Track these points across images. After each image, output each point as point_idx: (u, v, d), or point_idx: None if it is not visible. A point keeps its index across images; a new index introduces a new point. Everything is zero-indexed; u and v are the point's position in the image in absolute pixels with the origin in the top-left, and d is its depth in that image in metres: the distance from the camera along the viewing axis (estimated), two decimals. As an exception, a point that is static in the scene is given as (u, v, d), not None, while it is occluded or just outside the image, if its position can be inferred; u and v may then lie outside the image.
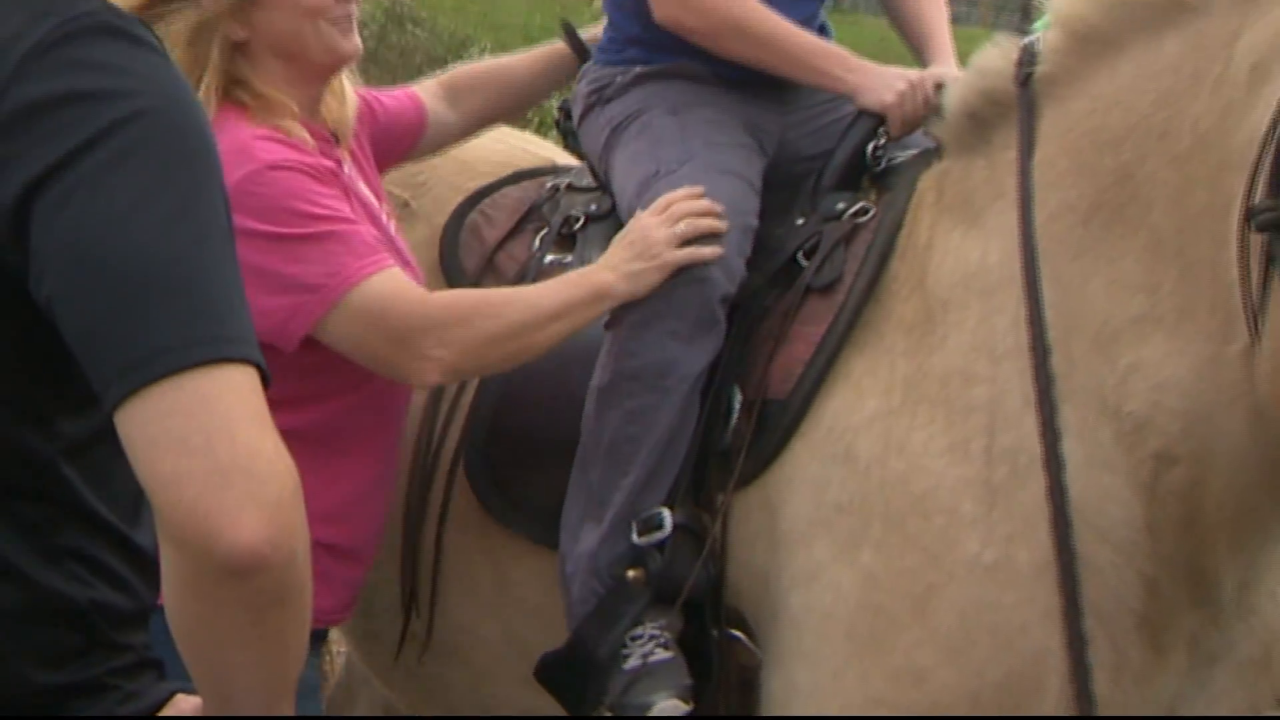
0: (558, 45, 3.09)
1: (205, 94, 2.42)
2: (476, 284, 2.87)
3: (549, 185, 3.06)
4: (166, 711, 1.76)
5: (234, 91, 2.50)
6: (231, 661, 1.53)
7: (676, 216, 2.47)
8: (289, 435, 2.11)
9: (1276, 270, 1.92)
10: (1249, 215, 1.96)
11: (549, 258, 2.85)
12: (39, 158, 1.44)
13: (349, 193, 2.59)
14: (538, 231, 2.94)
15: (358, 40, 2.61)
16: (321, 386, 2.54)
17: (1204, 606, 2.30)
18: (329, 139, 2.64)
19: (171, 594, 1.47)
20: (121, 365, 1.41)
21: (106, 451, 1.50)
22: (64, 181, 1.43)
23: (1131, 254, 2.25)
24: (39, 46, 1.47)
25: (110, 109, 1.45)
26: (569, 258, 2.81)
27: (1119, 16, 2.28)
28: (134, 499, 1.64)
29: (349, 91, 2.73)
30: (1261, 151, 1.97)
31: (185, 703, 1.73)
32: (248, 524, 1.37)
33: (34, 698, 1.70)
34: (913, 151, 2.67)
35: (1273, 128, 1.95)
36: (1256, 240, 1.96)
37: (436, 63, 15.40)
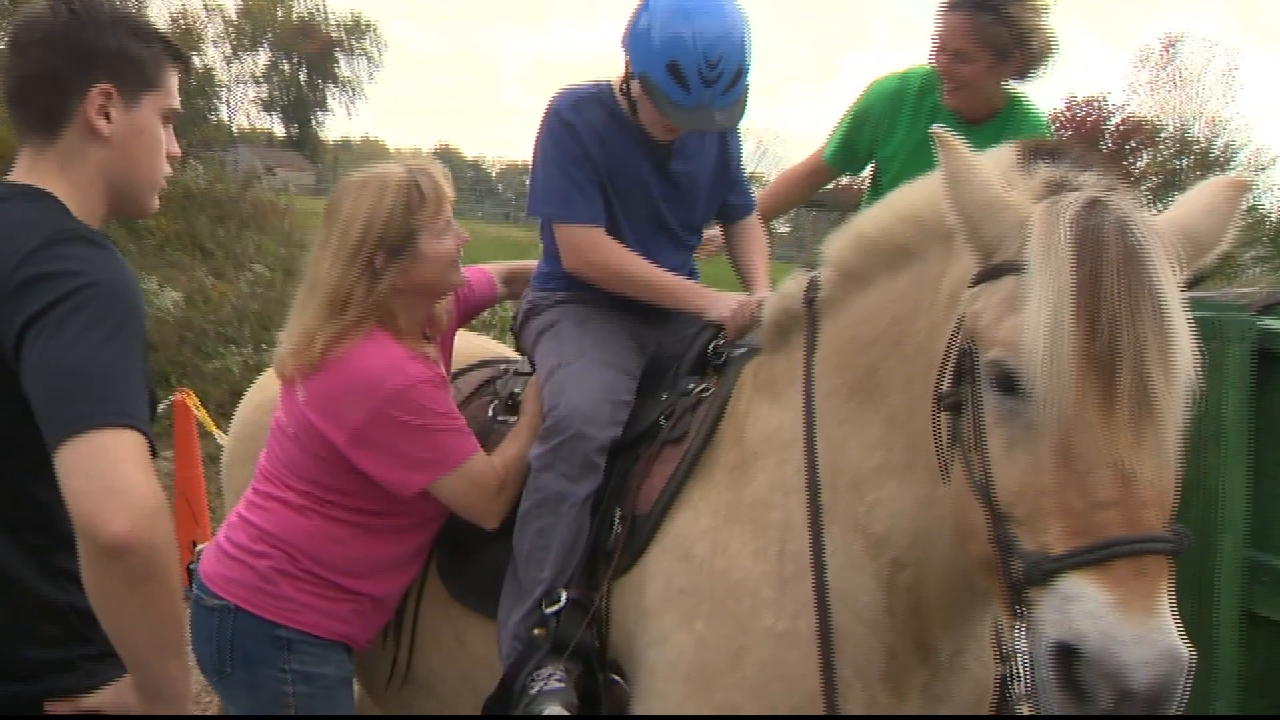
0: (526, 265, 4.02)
1: (358, 322, 3.21)
2: None
3: (500, 369, 3.92)
4: (110, 689, 2.49)
5: (386, 319, 3.25)
6: (122, 619, 2.22)
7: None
8: (368, 529, 3.27)
9: (955, 435, 2.43)
10: (939, 399, 2.51)
11: (498, 418, 3.67)
12: (30, 307, 2.28)
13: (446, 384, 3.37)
14: (491, 401, 3.77)
15: (464, 276, 3.44)
16: (402, 511, 3.31)
17: (928, 665, 2.84)
18: (432, 339, 3.49)
19: (83, 571, 2.19)
20: (58, 427, 2.19)
21: None
22: (42, 322, 2.27)
23: (875, 423, 2.82)
24: (39, 245, 2.35)
25: (71, 281, 2.30)
26: (512, 419, 3.59)
27: (869, 260, 2.88)
28: None
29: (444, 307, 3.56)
30: (947, 355, 2.49)
31: (125, 686, 2.44)
32: (117, 522, 2.12)
33: (25, 668, 2.43)
34: (741, 349, 3.35)
35: (953, 339, 2.47)
36: (944, 417, 2.48)
37: None
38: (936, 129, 2.42)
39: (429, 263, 3.29)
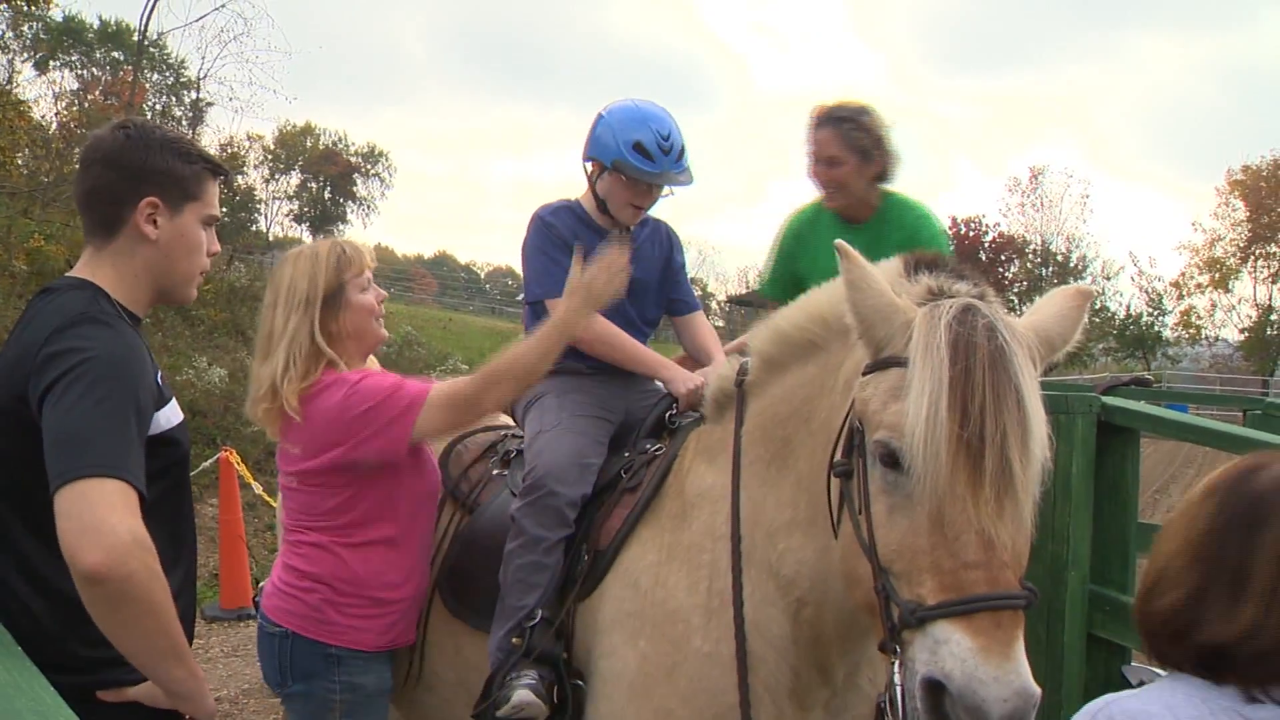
0: None
1: (314, 369, 3.26)
2: (456, 486, 3.72)
3: (500, 434, 3.94)
4: (146, 684, 2.46)
5: (333, 364, 3.29)
6: (114, 634, 2.26)
7: (603, 279, 3.18)
8: (386, 542, 3.31)
9: (844, 496, 2.45)
10: (832, 467, 2.52)
11: (495, 472, 3.72)
12: (46, 379, 2.36)
13: None
14: (490, 458, 3.82)
15: (385, 332, 3.49)
16: (398, 513, 3.33)
17: (828, 685, 2.87)
18: None
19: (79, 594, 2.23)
20: (54, 479, 2.23)
21: None
22: (52, 391, 2.34)
23: (787, 485, 2.84)
24: (60, 327, 2.43)
25: (78, 356, 2.37)
26: (506, 472, 3.67)
27: (785, 351, 2.90)
28: (171, 553, 2.40)
29: (372, 361, 3.59)
30: (841, 430, 2.53)
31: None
32: (92, 556, 2.15)
33: (77, 663, 2.45)
34: (690, 418, 3.40)
35: (846, 417, 2.51)
36: (836, 482, 2.50)
37: (429, 368, 17.63)
38: (838, 242, 2.44)
39: (356, 311, 3.38)
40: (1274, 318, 48.26)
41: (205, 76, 32.18)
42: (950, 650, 2.11)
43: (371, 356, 3.64)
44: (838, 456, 2.52)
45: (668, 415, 3.53)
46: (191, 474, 9.35)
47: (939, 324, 2.28)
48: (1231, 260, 48.83)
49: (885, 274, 2.52)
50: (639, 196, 3.69)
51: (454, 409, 3.22)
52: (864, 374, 2.44)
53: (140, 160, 2.60)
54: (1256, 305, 48.67)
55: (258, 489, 9.77)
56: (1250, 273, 49.19)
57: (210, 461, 10.32)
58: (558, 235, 3.70)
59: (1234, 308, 49.80)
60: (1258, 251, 48.51)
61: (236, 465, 9.36)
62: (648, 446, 3.43)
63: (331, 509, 3.29)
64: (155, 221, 2.61)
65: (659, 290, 3.93)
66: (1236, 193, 48.48)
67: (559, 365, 3.63)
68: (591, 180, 3.78)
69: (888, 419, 2.31)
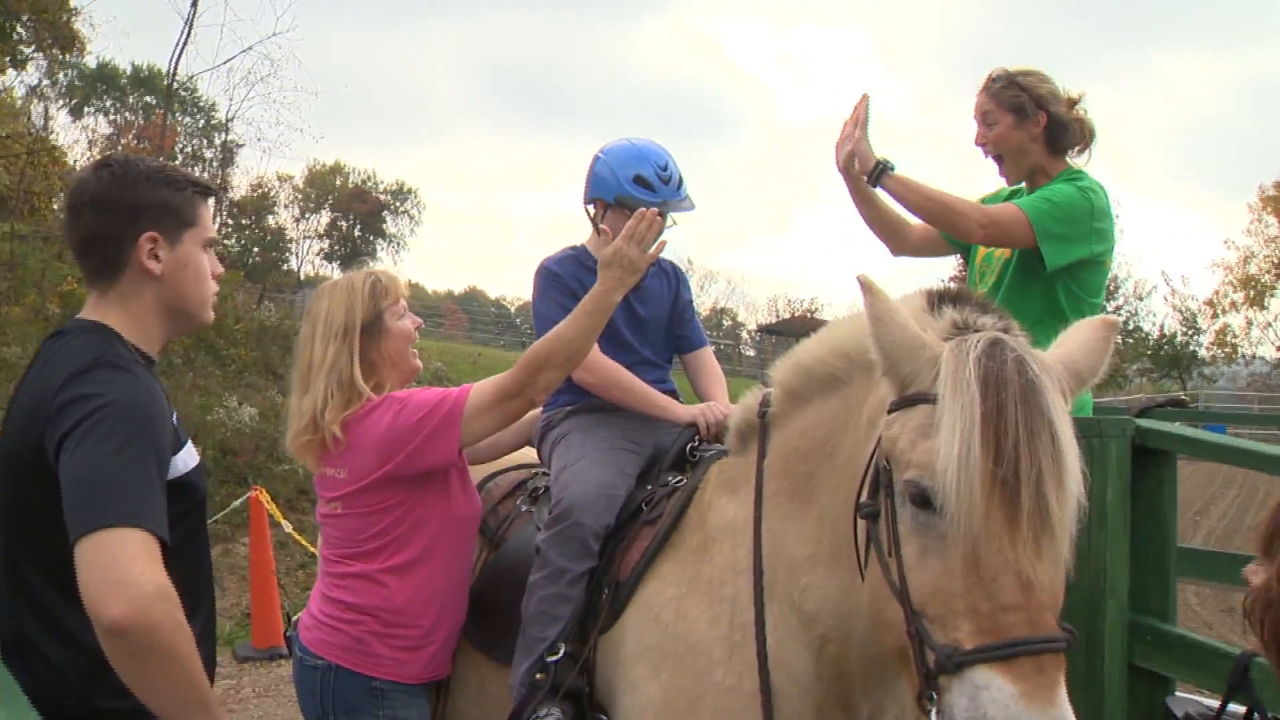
0: (536, 412, 3.89)
1: (347, 393, 3.25)
2: (484, 522, 3.67)
3: (530, 472, 3.94)
4: None
5: (377, 391, 3.29)
6: (139, 686, 2.20)
7: (638, 240, 3.12)
8: (422, 562, 3.25)
9: (871, 538, 2.38)
10: (858, 508, 2.46)
11: (524, 508, 3.72)
12: (63, 426, 2.31)
13: None
14: (519, 496, 3.81)
15: (419, 362, 3.49)
16: (421, 535, 3.26)
17: None
18: None
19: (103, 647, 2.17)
20: (74, 529, 2.18)
21: None
22: (70, 438, 2.29)
23: (810, 520, 2.80)
24: (75, 372, 2.38)
25: (95, 402, 2.32)
26: (533, 508, 3.66)
27: (807, 384, 2.87)
28: (191, 601, 2.32)
29: None
30: (866, 470, 2.45)
31: None
32: (115, 609, 2.10)
33: (102, 715, 2.40)
34: (713, 451, 3.38)
35: (871, 457, 2.43)
36: (863, 523, 2.43)
37: None
38: (860, 275, 2.37)
39: (394, 338, 3.39)
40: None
41: (234, 118, 32.64)
42: (991, 696, 2.04)
43: None
44: (864, 497, 2.45)
45: (689, 448, 3.50)
46: (223, 513, 9.45)
47: (967, 359, 2.22)
48: (1266, 277, 48.35)
49: (908, 307, 2.46)
50: None
51: (502, 401, 3.19)
52: (890, 411, 2.38)
53: (131, 197, 2.55)
54: (1291, 322, 48.19)
55: (288, 528, 9.79)
56: (1286, 289, 48.57)
57: (241, 500, 10.34)
58: (565, 284, 3.73)
59: (1270, 325, 49.20)
60: (1292, 268, 47.95)
61: (267, 504, 9.40)
62: (669, 479, 3.40)
63: (376, 533, 3.26)
64: (157, 256, 2.57)
65: (669, 327, 3.96)
66: (1269, 209, 48.07)
67: (582, 402, 3.69)
68: (596, 222, 3.83)
69: (917, 458, 2.25)
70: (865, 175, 3.94)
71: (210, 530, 11.02)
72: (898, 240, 4.29)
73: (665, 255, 3.82)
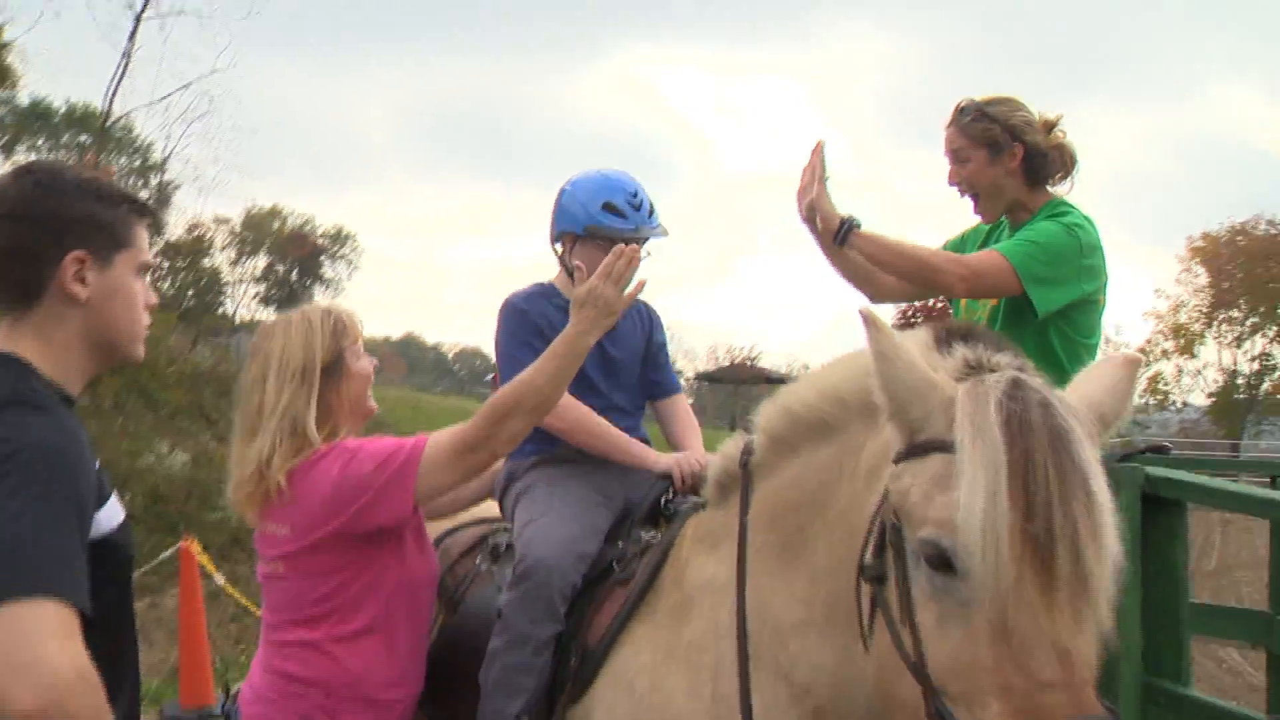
0: (499, 464, 3.64)
1: (299, 440, 2.98)
2: (441, 582, 3.38)
3: (491, 527, 3.68)
4: None
5: (331, 437, 3.03)
6: None
7: (615, 278, 2.89)
8: (382, 633, 2.93)
9: (878, 604, 2.15)
10: (861, 570, 2.24)
11: (484, 566, 3.46)
12: None
13: None
14: (478, 553, 3.56)
15: (375, 404, 3.23)
16: (373, 601, 2.98)
17: None
18: None
19: None
20: None
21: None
22: None
23: (800, 579, 2.54)
24: None
25: (4, 449, 1.94)
26: (494, 566, 3.39)
27: (796, 431, 2.63)
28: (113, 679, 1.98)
29: None
30: (870, 527, 2.23)
31: None
32: (25, 699, 1.75)
33: None
34: (689, 503, 3.16)
35: (876, 514, 2.21)
36: (866, 586, 2.21)
37: None
38: (863, 308, 2.14)
39: (355, 379, 3.15)
40: (1239, 382, 48.56)
41: (170, 155, 32.18)
42: None
43: None
44: (867, 557, 2.22)
45: (664, 500, 3.28)
46: (151, 564, 8.98)
47: (987, 401, 2.00)
48: (1196, 326, 49.29)
49: (914, 344, 2.24)
50: None
51: (463, 453, 2.91)
52: (897, 460, 2.15)
53: (56, 208, 2.21)
54: (1222, 370, 49.11)
55: (220, 579, 9.42)
56: (1215, 337, 49.62)
57: (170, 551, 9.93)
58: (533, 322, 3.52)
59: (1200, 372, 50.06)
60: (1220, 317, 48.93)
61: (198, 555, 9.03)
62: (643, 535, 3.18)
63: (322, 597, 2.96)
64: (84, 279, 2.22)
65: (641, 371, 3.74)
66: (1198, 259, 48.96)
67: (548, 453, 3.43)
68: (564, 260, 3.60)
69: (934, 514, 2.01)
70: (831, 235, 3.66)
71: (138, 582, 10.71)
72: (874, 287, 4.01)
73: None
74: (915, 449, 2.10)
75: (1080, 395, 2.16)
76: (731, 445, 2.93)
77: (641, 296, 3.15)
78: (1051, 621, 1.87)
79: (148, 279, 2.38)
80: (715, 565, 2.80)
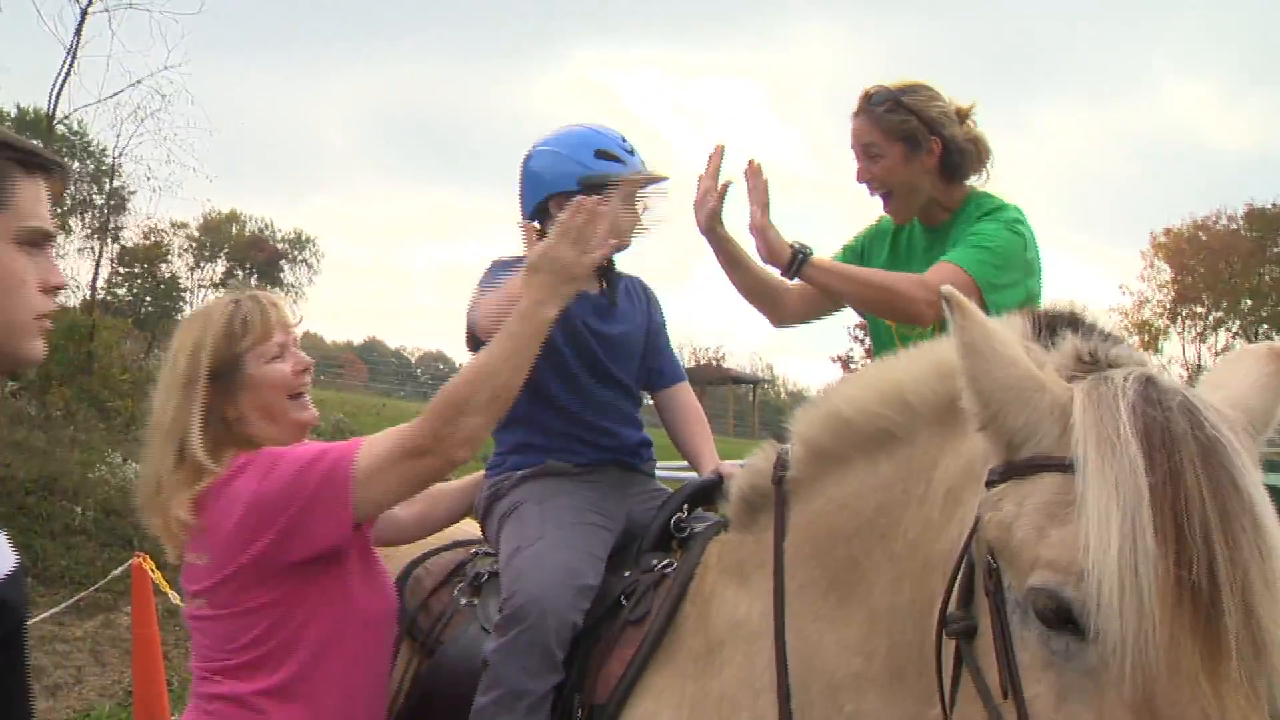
0: (479, 476, 3.15)
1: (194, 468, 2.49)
2: (413, 622, 2.93)
3: (472, 551, 3.14)
4: None
5: (245, 447, 2.54)
6: None
7: (574, 239, 2.44)
8: (325, 683, 2.40)
9: (966, 667, 1.76)
10: (943, 622, 1.82)
11: (462, 601, 2.92)
12: None
13: None
14: (459, 584, 3.01)
15: (313, 412, 2.68)
16: (308, 644, 2.48)
17: None
18: None
19: None
20: None
21: None
22: None
23: (856, 624, 2.13)
24: None
25: None
26: (476, 600, 2.88)
27: (843, 440, 2.22)
28: None
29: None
30: (956, 570, 1.81)
31: None
32: None
33: None
34: (707, 523, 2.70)
35: (964, 553, 1.79)
36: (950, 642, 1.81)
37: None
38: (945, 289, 1.71)
39: (259, 390, 2.60)
40: (1203, 376, 48.92)
41: (122, 155, 31.57)
42: None
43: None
44: (952, 605, 1.79)
45: (675, 521, 2.76)
46: (104, 580, 8.45)
47: (1116, 406, 1.57)
48: (1160, 321, 49.32)
49: (1014, 336, 1.81)
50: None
51: (406, 458, 2.40)
52: (991, 482, 1.72)
53: None
54: (1186, 364, 49.18)
55: (175, 597, 8.91)
56: (1179, 333, 49.66)
57: (123, 568, 9.47)
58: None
59: (1164, 368, 50.22)
60: (1184, 312, 48.98)
61: (151, 572, 8.56)
62: (654, 562, 2.68)
63: (249, 642, 2.45)
64: None
65: (646, 350, 3.20)
66: (1160, 255, 49.06)
67: (536, 466, 2.90)
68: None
69: (1049, 553, 1.58)
70: (781, 268, 3.24)
71: (90, 599, 10.25)
72: (778, 308, 3.63)
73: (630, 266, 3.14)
74: (1018, 468, 1.67)
75: (1225, 398, 1.70)
76: (761, 457, 2.47)
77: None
78: (1219, 700, 1.43)
79: (50, 252, 1.84)
80: (748, 603, 2.36)
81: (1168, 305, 49.36)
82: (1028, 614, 1.60)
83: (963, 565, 1.79)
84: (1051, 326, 1.83)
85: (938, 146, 3.37)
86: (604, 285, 3.11)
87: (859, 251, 3.73)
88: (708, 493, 2.84)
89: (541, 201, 3.04)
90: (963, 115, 3.45)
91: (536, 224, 3.00)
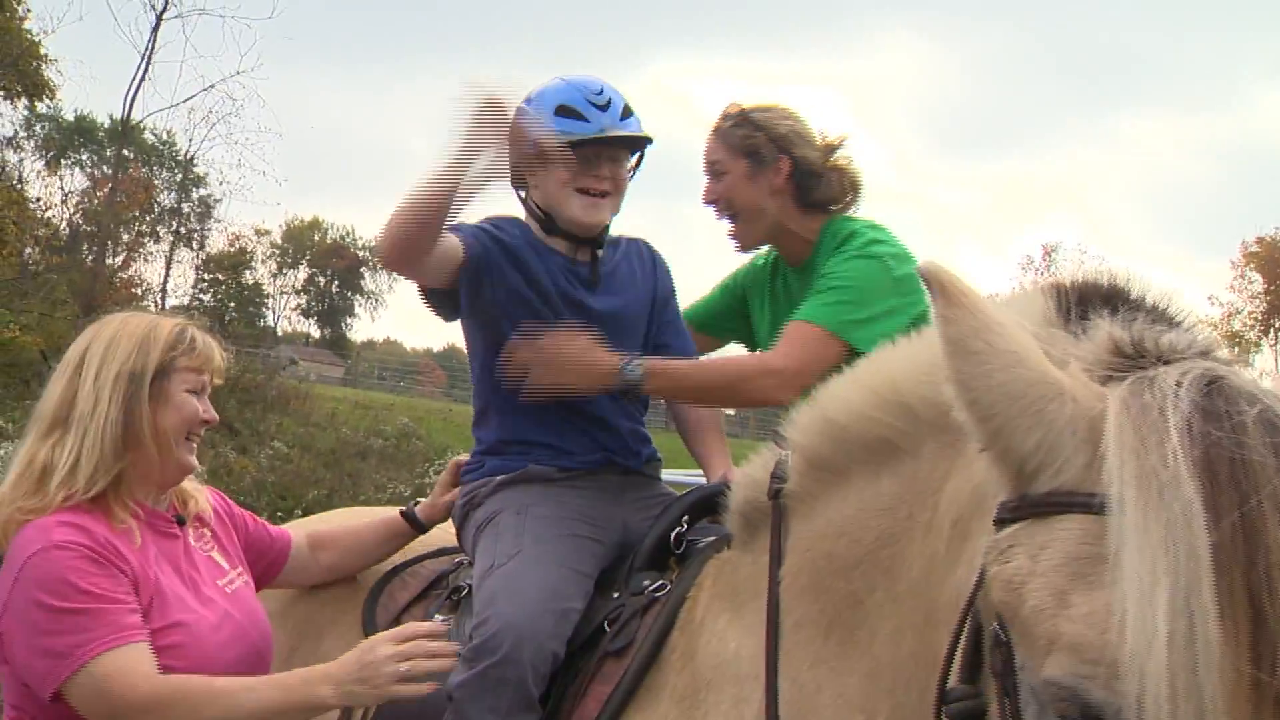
0: (398, 519, 2.86)
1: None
2: None
3: (456, 561, 2.80)
4: None
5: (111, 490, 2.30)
6: None
7: (406, 654, 2.10)
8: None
9: None
10: (942, 699, 1.47)
11: (439, 617, 2.54)
12: None
13: (164, 561, 2.32)
14: (433, 598, 2.70)
15: (195, 461, 2.43)
16: None
17: None
18: (170, 520, 2.40)
19: None
20: None
21: None
22: None
23: (856, 675, 1.78)
24: None
25: None
26: (455, 619, 2.53)
27: (842, 450, 1.86)
28: None
29: (201, 494, 2.54)
30: (959, 632, 1.45)
31: None
32: None
33: None
34: (711, 537, 2.35)
35: (968, 609, 1.43)
36: None
37: (429, 460, 18.18)
38: (925, 262, 1.30)
39: (173, 411, 2.34)
40: None
41: (193, 157, 32.19)
42: None
43: (198, 488, 2.56)
44: (954, 679, 1.42)
45: (674, 535, 2.37)
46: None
47: (1165, 423, 1.14)
48: (1251, 333, 48.01)
49: (1022, 315, 1.37)
50: (582, 176, 2.67)
51: (109, 704, 2.11)
52: (1000, 521, 1.29)
53: None
54: (1278, 379, 48.15)
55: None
56: (1271, 345, 48.46)
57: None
58: (499, 224, 2.74)
59: (1257, 380, 49.56)
60: (1277, 323, 47.85)
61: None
62: (645, 583, 2.31)
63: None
64: None
65: (648, 326, 2.84)
66: (1252, 265, 47.92)
67: (516, 473, 2.57)
68: (529, 204, 2.79)
69: (1071, 630, 1.16)
70: (612, 390, 2.69)
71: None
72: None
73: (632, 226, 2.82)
74: (1033, 505, 1.25)
75: None
76: (759, 464, 2.11)
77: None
78: None
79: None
80: (738, 638, 1.99)
81: (1259, 316, 48.26)
82: (1046, 708, 1.21)
83: (968, 623, 1.41)
84: (1084, 305, 1.39)
85: (786, 165, 3.05)
86: (593, 256, 2.76)
87: (737, 292, 3.38)
88: (713, 503, 2.42)
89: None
90: (829, 147, 3.12)
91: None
